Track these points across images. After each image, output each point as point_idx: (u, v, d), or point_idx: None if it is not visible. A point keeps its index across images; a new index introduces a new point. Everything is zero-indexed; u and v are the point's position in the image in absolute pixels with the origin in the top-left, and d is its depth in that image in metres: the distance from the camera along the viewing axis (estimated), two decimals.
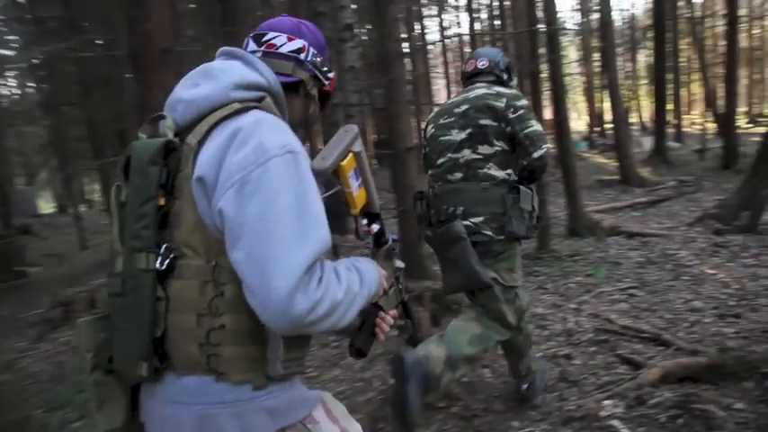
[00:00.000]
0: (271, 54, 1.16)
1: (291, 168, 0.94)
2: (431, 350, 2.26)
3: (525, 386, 2.76)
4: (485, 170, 2.42)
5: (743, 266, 4.84)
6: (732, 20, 12.14)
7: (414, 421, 2.17)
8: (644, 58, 33.70)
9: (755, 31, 26.09)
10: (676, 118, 19.23)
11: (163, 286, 0.96)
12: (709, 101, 18.09)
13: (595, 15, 24.80)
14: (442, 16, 24.34)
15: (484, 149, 2.44)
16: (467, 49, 21.90)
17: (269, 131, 0.97)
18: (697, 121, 33.15)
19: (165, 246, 0.97)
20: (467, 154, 2.46)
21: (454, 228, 2.35)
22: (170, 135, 1.01)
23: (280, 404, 1.02)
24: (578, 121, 31.48)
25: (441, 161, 2.55)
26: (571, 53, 33.71)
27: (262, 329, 0.96)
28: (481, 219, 2.38)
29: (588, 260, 5.35)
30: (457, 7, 24.54)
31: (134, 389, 1.08)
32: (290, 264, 0.87)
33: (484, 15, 22.65)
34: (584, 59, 24.05)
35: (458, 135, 2.49)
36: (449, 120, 2.55)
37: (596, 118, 27.96)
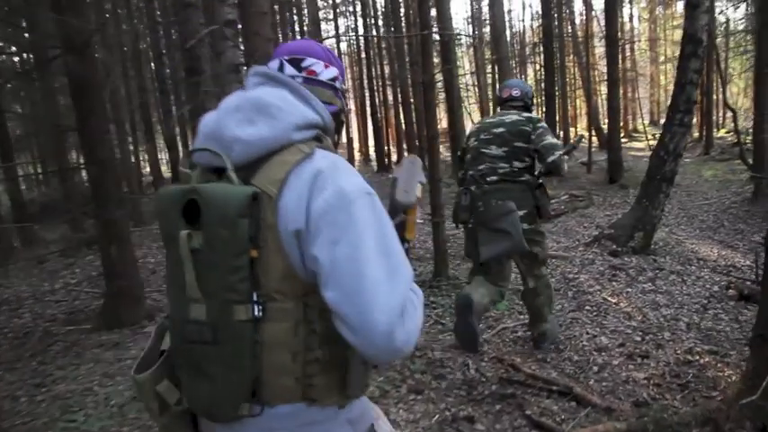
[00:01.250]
0: (313, 81, 1.16)
1: (371, 209, 0.97)
2: (476, 295, 3.13)
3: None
4: (520, 177, 3.22)
5: (641, 292, 4.67)
6: (611, 42, 12.70)
7: (478, 341, 3.16)
8: (532, 73, 35.52)
9: (628, 53, 28.10)
10: (563, 131, 20.08)
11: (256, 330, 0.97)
12: (592, 116, 19.05)
13: (487, 28, 25.61)
14: (339, 21, 23.86)
15: (518, 164, 3.23)
16: (363, 55, 21.54)
17: (346, 175, 0.99)
18: (582, 135, 35.53)
19: (256, 294, 0.96)
20: (504, 166, 3.23)
21: (507, 204, 3.12)
22: (234, 178, 0.95)
23: (356, 414, 1.10)
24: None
25: (481, 167, 3.29)
26: (465, 64, 34.67)
27: (345, 358, 1.02)
28: (523, 211, 3.18)
29: None
30: (354, 12, 24.13)
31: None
32: (388, 302, 0.91)
33: (381, 22, 22.44)
34: (478, 70, 24.58)
35: (497, 150, 3.25)
36: (488, 137, 3.30)
37: None
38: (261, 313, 0.96)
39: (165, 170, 17.60)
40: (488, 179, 3.24)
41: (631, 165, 13.56)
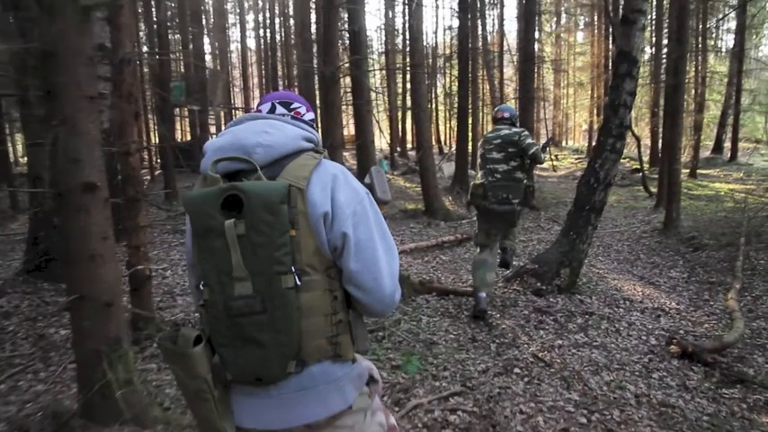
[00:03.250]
0: (298, 119, 1.46)
1: (371, 205, 1.31)
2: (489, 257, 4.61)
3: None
4: (514, 174, 4.48)
5: (575, 346, 3.93)
6: (527, 57, 12.44)
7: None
8: (441, 86, 35.69)
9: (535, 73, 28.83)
10: (473, 146, 19.86)
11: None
12: None
13: (400, 38, 25.14)
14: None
15: (512, 163, 4.47)
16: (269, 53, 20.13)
17: (353, 179, 1.32)
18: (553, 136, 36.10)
19: (294, 269, 1.18)
20: (503, 166, 4.47)
21: (511, 204, 4.46)
22: (261, 175, 1.18)
23: (362, 369, 1.36)
24: (380, 139, 31.81)
25: (489, 167, 4.53)
26: (376, 71, 34.12)
27: (350, 319, 1.30)
28: (516, 200, 4.49)
29: (395, 339, 4.00)
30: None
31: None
32: (390, 271, 1.28)
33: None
34: (388, 77, 24.00)
35: (497, 155, 4.50)
36: (490, 146, 4.56)
37: (398, 137, 28.36)
38: (299, 282, 1.18)
39: None
40: (493, 177, 4.49)
41: (539, 185, 13.37)
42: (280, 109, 1.44)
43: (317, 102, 14.50)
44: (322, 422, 1.25)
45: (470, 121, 15.16)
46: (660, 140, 10.12)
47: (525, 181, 4.56)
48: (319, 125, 13.77)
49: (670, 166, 8.17)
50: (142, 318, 3.75)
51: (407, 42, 18.17)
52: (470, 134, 15.06)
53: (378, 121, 22.92)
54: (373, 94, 33.33)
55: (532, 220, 9.45)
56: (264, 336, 1.17)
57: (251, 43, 30.97)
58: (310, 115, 1.50)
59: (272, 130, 1.25)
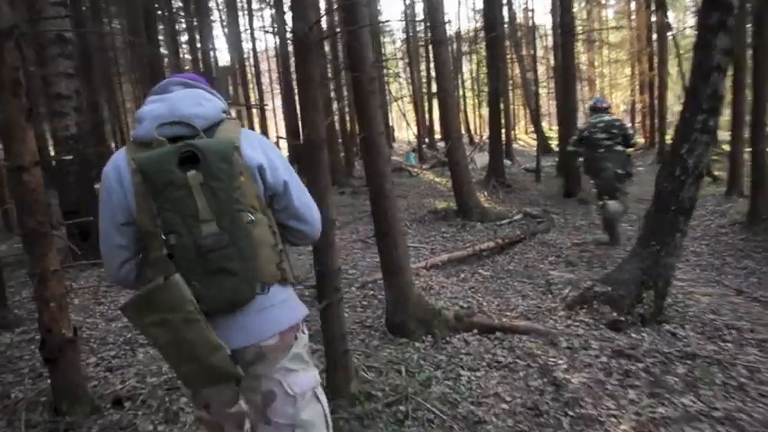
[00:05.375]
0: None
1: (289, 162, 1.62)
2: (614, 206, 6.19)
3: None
4: (616, 147, 6.15)
5: (686, 420, 2.69)
6: (566, 29, 10.96)
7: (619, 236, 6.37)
8: (467, 71, 34.07)
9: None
10: (506, 133, 18.43)
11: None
12: (534, 118, 17.45)
13: (422, 26, 23.72)
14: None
15: (617, 140, 6.15)
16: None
17: (269, 141, 1.62)
18: (521, 136, 34.38)
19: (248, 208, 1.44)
20: (608, 144, 6.14)
21: (614, 169, 6.17)
22: (204, 136, 1.42)
23: (293, 295, 1.62)
24: (407, 131, 30.46)
25: (595, 144, 6.19)
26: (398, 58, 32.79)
27: (286, 249, 1.61)
28: (622, 170, 6.15)
29: (423, 416, 2.80)
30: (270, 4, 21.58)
31: None
32: (315, 207, 1.67)
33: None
34: (411, 65, 22.71)
35: (602, 135, 6.18)
36: (595, 130, 6.23)
37: (425, 128, 26.99)
38: (252, 218, 1.43)
39: None
40: (599, 151, 6.19)
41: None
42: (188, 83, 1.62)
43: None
44: (271, 346, 1.48)
45: (502, 106, 13.82)
46: (731, 113, 8.57)
47: (627, 156, 6.34)
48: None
49: (754, 146, 6.73)
50: (66, 397, 2.67)
51: (426, 17, 16.78)
52: (503, 120, 13.70)
53: (404, 113, 21.64)
54: (395, 87, 31.89)
55: (583, 216, 8.09)
56: (235, 264, 1.37)
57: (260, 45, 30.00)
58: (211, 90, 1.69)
59: (205, 102, 1.50)
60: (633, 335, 3.67)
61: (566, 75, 10.03)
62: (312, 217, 1.62)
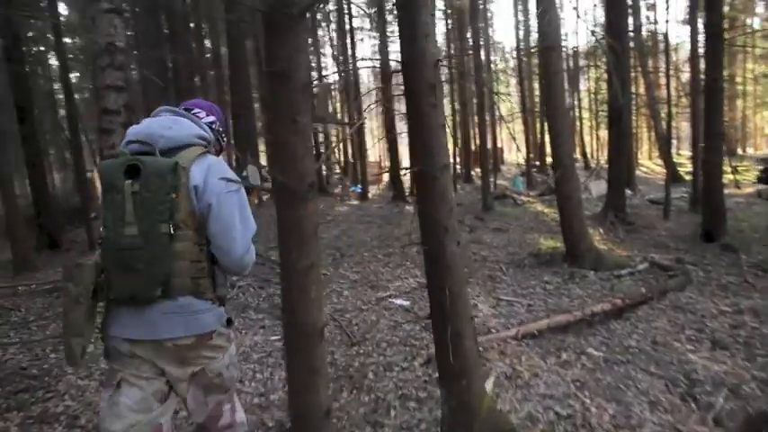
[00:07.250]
0: (196, 120, 1.99)
1: (238, 191, 1.81)
2: None
3: None
4: None
5: None
6: (712, 33, 8.95)
7: None
8: (584, 90, 31.59)
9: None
10: (628, 159, 16.31)
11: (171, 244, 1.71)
12: (663, 141, 15.20)
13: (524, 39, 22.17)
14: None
15: None
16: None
17: (225, 169, 1.82)
18: (643, 162, 31.18)
19: (171, 222, 1.69)
20: None
21: None
22: (158, 155, 1.73)
23: (219, 313, 1.83)
24: (513, 153, 28.67)
25: None
26: (511, 79, 31.19)
27: (214, 270, 1.83)
28: None
29: None
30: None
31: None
32: (244, 240, 1.81)
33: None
34: (521, 78, 21.15)
35: None
36: None
37: (537, 149, 25.14)
38: (174, 232, 1.68)
39: None
40: None
41: (732, 212, 9.63)
42: (182, 112, 1.94)
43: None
44: (188, 344, 1.74)
45: (622, 126, 12.01)
46: None
47: None
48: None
49: None
50: None
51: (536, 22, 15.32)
52: (626, 142, 11.87)
53: (514, 136, 20.12)
54: (505, 107, 30.36)
55: (729, 268, 6.31)
56: (140, 265, 1.65)
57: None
58: (208, 119, 2.04)
59: (175, 126, 1.82)
60: None
61: (712, 88, 8.18)
62: (228, 247, 1.79)
